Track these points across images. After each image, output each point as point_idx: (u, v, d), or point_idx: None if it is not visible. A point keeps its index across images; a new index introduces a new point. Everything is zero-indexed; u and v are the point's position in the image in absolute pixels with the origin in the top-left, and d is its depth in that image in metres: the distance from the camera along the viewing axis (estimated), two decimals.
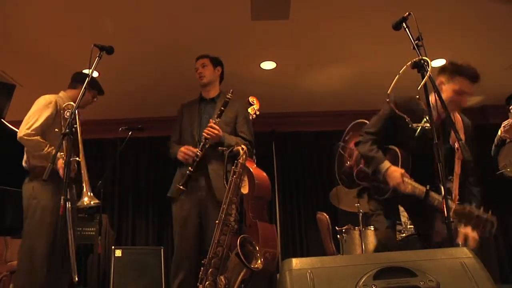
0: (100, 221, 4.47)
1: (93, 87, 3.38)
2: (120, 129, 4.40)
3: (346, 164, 3.02)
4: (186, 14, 4.10)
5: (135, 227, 6.20)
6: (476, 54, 5.03)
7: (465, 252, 1.61)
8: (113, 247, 4.67)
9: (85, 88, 2.52)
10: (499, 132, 3.87)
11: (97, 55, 2.59)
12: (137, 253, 4.75)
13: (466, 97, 2.53)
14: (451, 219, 1.87)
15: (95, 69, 2.58)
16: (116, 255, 4.58)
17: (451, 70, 2.57)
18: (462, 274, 1.51)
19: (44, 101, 3.17)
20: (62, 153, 2.69)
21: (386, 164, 2.56)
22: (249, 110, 3.36)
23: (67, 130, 2.31)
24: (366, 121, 2.92)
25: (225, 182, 2.84)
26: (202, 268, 2.46)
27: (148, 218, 6.21)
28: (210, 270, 2.40)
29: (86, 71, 4.85)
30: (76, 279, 2.61)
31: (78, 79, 3.34)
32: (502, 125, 3.82)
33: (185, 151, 3.09)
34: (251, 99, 3.48)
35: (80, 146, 2.82)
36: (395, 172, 2.49)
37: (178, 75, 5.01)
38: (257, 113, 3.41)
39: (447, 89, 2.55)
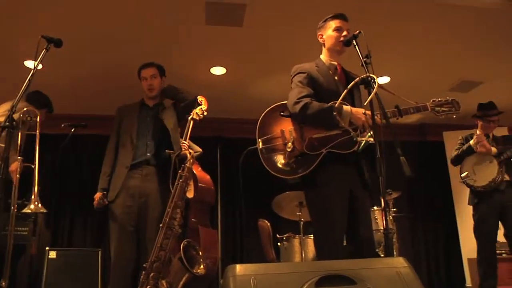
0: (36, 220, 4.25)
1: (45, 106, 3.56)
2: (63, 125, 4.24)
3: (288, 150, 2.53)
4: (140, 13, 4.03)
5: (72, 228, 5.95)
6: (419, 74, 5.31)
7: (401, 261, 1.70)
8: (47, 248, 4.46)
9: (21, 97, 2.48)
10: (471, 142, 4.12)
11: (44, 47, 2.51)
12: (72, 255, 4.55)
13: (344, 31, 2.67)
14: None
15: (41, 62, 2.50)
16: (50, 256, 4.37)
17: (321, 22, 2.79)
18: (398, 282, 1.59)
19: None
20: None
21: (348, 106, 2.48)
22: (197, 110, 3.30)
23: (7, 123, 2.21)
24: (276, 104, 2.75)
25: (170, 186, 2.81)
26: (143, 272, 2.41)
27: (87, 219, 5.99)
28: (152, 274, 2.36)
29: (30, 62, 4.70)
30: (3, 284, 2.49)
31: (42, 102, 3.54)
32: (476, 138, 4.08)
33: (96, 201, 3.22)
34: (199, 98, 3.42)
35: (37, 153, 2.76)
36: (359, 110, 2.47)
37: (127, 74, 4.88)
38: (205, 113, 3.36)
39: (326, 35, 2.74)
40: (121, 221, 3.04)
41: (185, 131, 3.27)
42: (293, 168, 2.52)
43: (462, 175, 4.18)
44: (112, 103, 5.59)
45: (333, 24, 2.71)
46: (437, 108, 2.55)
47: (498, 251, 5.33)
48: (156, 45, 4.54)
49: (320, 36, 2.79)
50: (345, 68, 2.79)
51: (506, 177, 4.00)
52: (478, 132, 4.16)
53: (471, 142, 4.12)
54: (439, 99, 2.57)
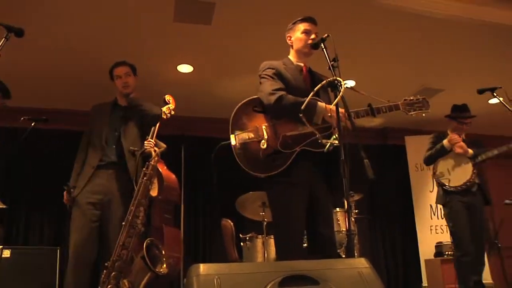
0: None
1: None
2: (22, 118, 4.09)
3: (262, 147, 2.50)
4: (107, 8, 3.93)
5: (29, 225, 5.74)
6: (383, 80, 5.42)
7: (363, 262, 1.74)
8: (0, 246, 4.30)
9: None
10: (444, 142, 4.18)
11: (4, 36, 2.41)
12: (28, 253, 4.41)
13: (312, 35, 2.71)
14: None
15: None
16: (3, 255, 4.21)
17: (291, 24, 2.81)
18: (359, 282, 1.62)
19: None
20: None
21: (322, 103, 2.50)
22: (164, 109, 3.29)
23: None
24: (249, 98, 2.72)
25: (134, 184, 2.77)
26: (104, 271, 2.36)
27: (44, 215, 5.79)
28: (113, 273, 2.32)
29: None
30: None
31: None
32: (454, 139, 4.14)
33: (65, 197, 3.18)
34: (167, 97, 3.40)
35: None
36: (333, 108, 2.37)
37: (92, 70, 4.77)
38: (172, 112, 3.34)
39: (295, 37, 2.77)
40: (84, 217, 3.00)
41: (152, 129, 3.24)
42: (267, 165, 2.49)
43: (437, 173, 4.24)
44: (75, 99, 5.54)
45: (302, 26, 2.74)
46: (408, 107, 2.63)
47: (450, 252, 5.49)
48: (122, 41, 4.45)
49: (288, 38, 2.82)
50: (312, 69, 2.82)
51: (476, 180, 4.10)
52: (449, 132, 4.27)
53: (444, 142, 4.18)
54: (411, 98, 2.66)
